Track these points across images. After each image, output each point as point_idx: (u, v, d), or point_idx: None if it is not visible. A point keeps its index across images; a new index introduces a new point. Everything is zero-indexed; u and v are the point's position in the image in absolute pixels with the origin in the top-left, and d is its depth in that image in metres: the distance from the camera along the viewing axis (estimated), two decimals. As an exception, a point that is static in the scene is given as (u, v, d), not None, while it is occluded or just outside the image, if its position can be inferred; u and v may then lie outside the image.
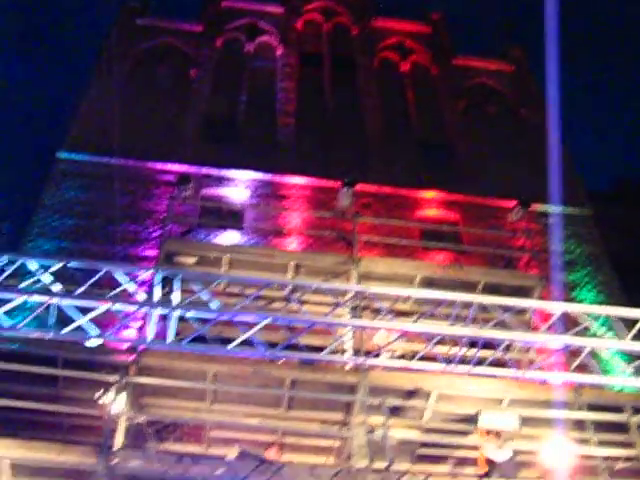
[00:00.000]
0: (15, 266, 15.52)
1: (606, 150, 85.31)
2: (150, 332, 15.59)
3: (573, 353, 16.42)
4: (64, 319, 14.85)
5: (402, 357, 17.06)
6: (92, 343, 14.64)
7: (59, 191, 21.83)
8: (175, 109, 25.60)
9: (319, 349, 16.26)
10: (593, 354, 15.81)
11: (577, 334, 15.85)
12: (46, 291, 15.30)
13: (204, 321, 15.21)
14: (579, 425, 15.49)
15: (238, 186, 22.89)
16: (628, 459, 15.74)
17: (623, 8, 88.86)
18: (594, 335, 15.98)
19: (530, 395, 15.70)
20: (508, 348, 17.53)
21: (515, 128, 28.29)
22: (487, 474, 14.45)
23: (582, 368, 15.82)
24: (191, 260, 18.02)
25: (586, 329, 16.19)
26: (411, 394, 15.51)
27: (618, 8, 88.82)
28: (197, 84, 26.96)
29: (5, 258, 15.64)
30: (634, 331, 14.98)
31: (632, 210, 30.56)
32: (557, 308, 16.33)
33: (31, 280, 16.42)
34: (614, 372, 17.88)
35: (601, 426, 15.32)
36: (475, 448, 15.25)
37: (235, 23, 30.30)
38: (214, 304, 15.57)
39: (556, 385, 16.87)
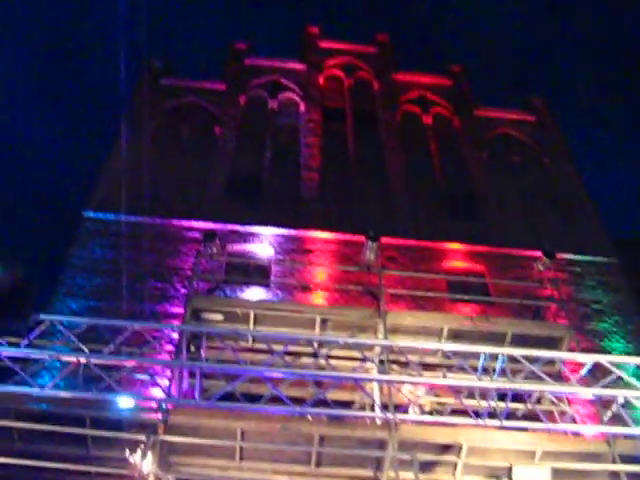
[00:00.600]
0: (43, 326, 15.62)
1: (634, 195, 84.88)
2: (178, 390, 15.60)
3: (605, 404, 16.27)
4: (92, 378, 14.90)
5: (431, 411, 16.94)
6: (125, 403, 14.63)
7: (86, 250, 22.00)
8: (200, 167, 25.81)
9: (347, 404, 16.22)
10: (625, 404, 15.62)
11: (608, 384, 15.70)
12: (74, 351, 15.38)
13: (232, 378, 15.21)
14: (613, 477, 15.25)
15: (263, 242, 22.98)
16: (665, 511, 15.44)
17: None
18: (626, 385, 15.81)
19: (563, 447, 15.45)
20: (539, 400, 17.37)
21: (539, 177, 28.28)
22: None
23: (615, 419, 15.65)
24: (218, 317, 18.04)
25: (618, 379, 16.03)
26: (442, 448, 15.34)
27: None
28: (222, 141, 27.22)
29: (33, 318, 15.77)
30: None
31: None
32: (588, 359, 16.20)
33: (59, 340, 16.56)
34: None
35: (636, 478, 15.05)
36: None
37: (258, 81, 30.68)
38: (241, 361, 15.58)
39: (589, 437, 16.66)
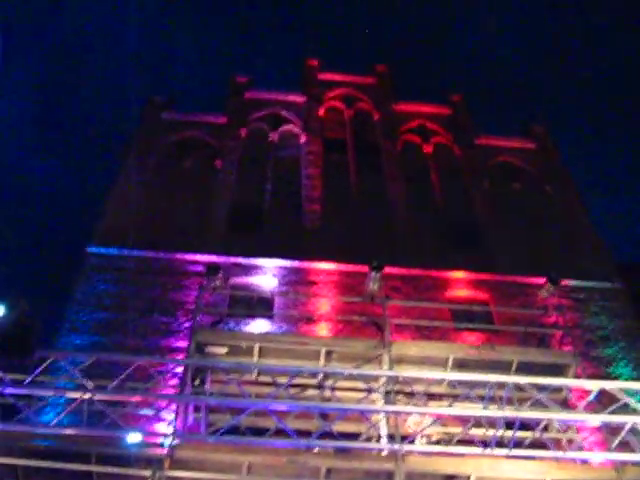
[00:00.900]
0: (47, 363, 15.61)
1: (637, 220, 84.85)
2: (184, 424, 15.53)
3: (613, 431, 16.17)
4: (97, 414, 14.86)
5: (438, 441, 16.84)
6: (133, 439, 14.55)
7: (90, 285, 22.01)
8: (202, 200, 25.87)
9: (354, 436, 16.11)
10: (633, 431, 15.53)
11: (615, 411, 15.62)
12: (79, 387, 15.35)
13: (237, 411, 15.15)
14: (623, 505, 15.10)
15: (266, 274, 22.97)
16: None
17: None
18: (633, 411, 15.73)
19: (571, 475, 15.34)
20: (546, 428, 17.26)
21: (541, 204, 28.28)
22: None
23: (623, 446, 15.54)
24: (222, 350, 17.99)
25: (625, 406, 15.96)
26: (449, 479, 15.24)
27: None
28: (223, 174, 27.29)
29: (38, 354, 15.76)
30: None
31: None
32: (594, 385, 16.13)
33: (63, 376, 16.52)
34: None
35: (646, 505, 14.93)
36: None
37: (258, 113, 30.81)
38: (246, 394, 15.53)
39: (597, 464, 16.55)
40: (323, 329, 21.13)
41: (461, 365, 18.26)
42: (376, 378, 17.31)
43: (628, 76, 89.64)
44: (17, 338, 16.16)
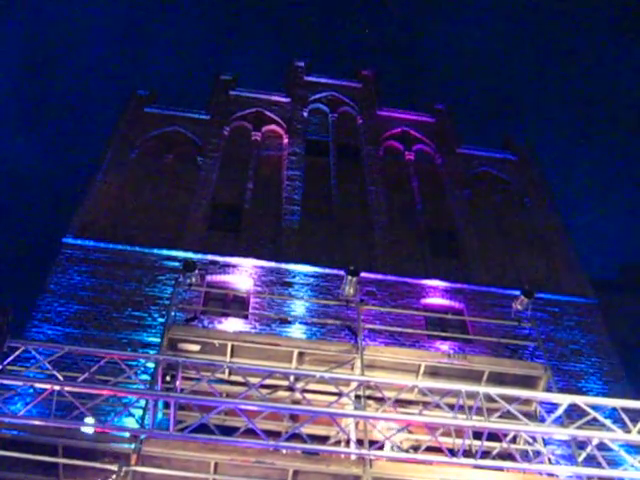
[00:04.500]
0: (18, 352, 15.48)
1: (611, 237, 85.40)
2: (152, 420, 15.45)
3: (580, 445, 16.24)
4: (66, 406, 14.75)
5: (407, 449, 16.84)
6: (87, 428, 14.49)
7: (64, 276, 21.87)
8: (182, 196, 25.81)
9: (323, 439, 16.10)
10: (600, 446, 15.59)
11: (584, 425, 15.68)
12: (48, 378, 15.23)
13: (207, 409, 15.08)
14: (587, 519, 15.18)
15: (243, 273, 22.93)
16: None
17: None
18: (601, 427, 15.80)
19: (537, 488, 15.41)
20: (514, 439, 17.31)
21: (520, 217, 28.41)
22: None
23: (590, 460, 15.62)
24: (194, 347, 17.93)
25: (593, 420, 16.02)
26: (416, 486, 15.24)
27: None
28: (204, 171, 27.22)
29: (8, 344, 15.61)
30: (642, 423, 14.82)
31: (638, 298, 30.46)
32: (564, 399, 16.18)
33: (34, 366, 16.39)
34: (622, 465, 17.56)
35: (610, 521, 15.01)
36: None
37: (242, 112, 30.77)
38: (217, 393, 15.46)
39: (563, 478, 16.62)
40: (297, 331, 21.12)
41: (433, 373, 18.28)
42: (347, 382, 17.28)
43: (614, 90, 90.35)
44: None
